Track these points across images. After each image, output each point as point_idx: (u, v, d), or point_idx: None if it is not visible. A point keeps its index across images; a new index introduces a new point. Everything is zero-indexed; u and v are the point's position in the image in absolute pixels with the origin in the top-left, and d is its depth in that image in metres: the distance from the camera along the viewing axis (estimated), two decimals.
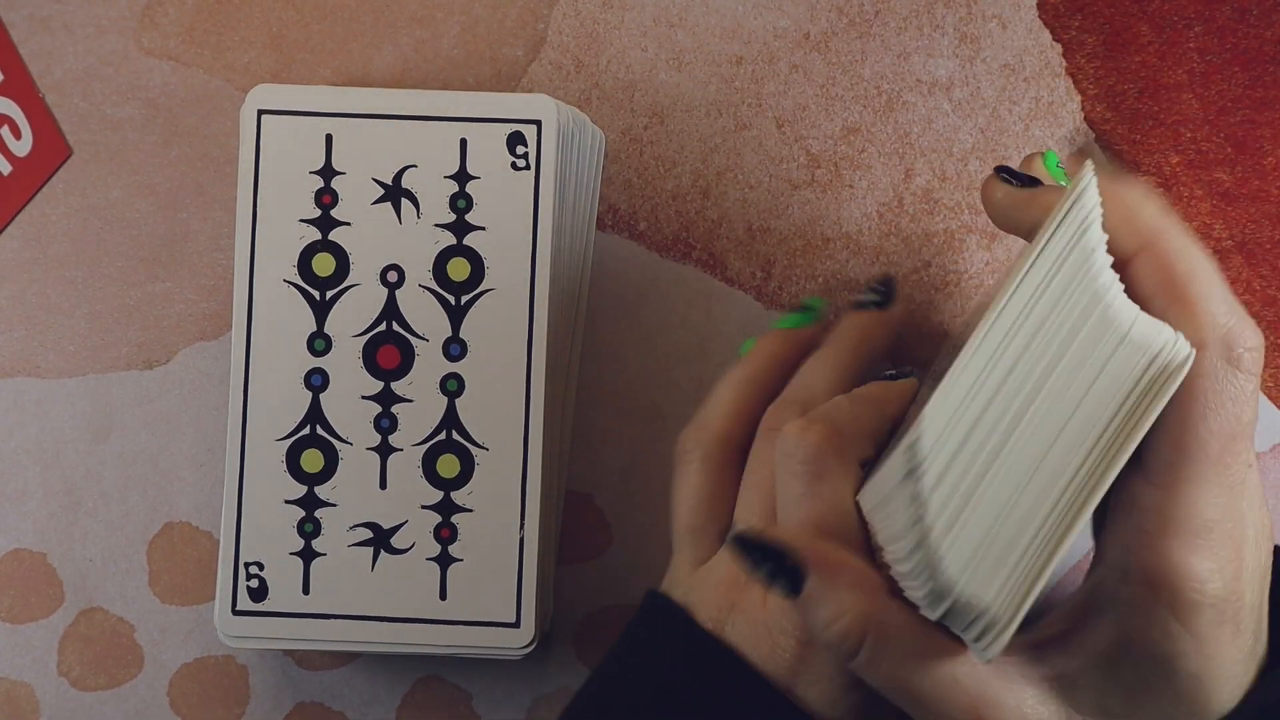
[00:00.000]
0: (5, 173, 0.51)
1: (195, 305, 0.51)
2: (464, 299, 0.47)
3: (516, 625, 0.46)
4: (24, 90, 0.51)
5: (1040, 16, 0.52)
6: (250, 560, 0.47)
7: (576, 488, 0.51)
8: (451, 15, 0.52)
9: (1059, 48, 0.52)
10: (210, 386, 0.51)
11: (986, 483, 0.33)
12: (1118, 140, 0.52)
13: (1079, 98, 0.52)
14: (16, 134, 0.51)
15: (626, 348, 0.51)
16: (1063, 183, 0.42)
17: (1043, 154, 0.43)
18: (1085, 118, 0.52)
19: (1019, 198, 0.39)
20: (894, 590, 0.36)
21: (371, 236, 0.47)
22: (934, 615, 0.34)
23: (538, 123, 0.47)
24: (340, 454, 0.47)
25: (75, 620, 0.51)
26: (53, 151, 0.51)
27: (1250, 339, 0.34)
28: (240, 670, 0.51)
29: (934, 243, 0.51)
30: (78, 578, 0.51)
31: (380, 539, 0.47)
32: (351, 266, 0.47)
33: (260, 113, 0.47)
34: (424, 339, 0.47)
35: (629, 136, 0.51)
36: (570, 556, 0.50)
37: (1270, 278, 0.52)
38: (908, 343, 0.50)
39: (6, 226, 0.51)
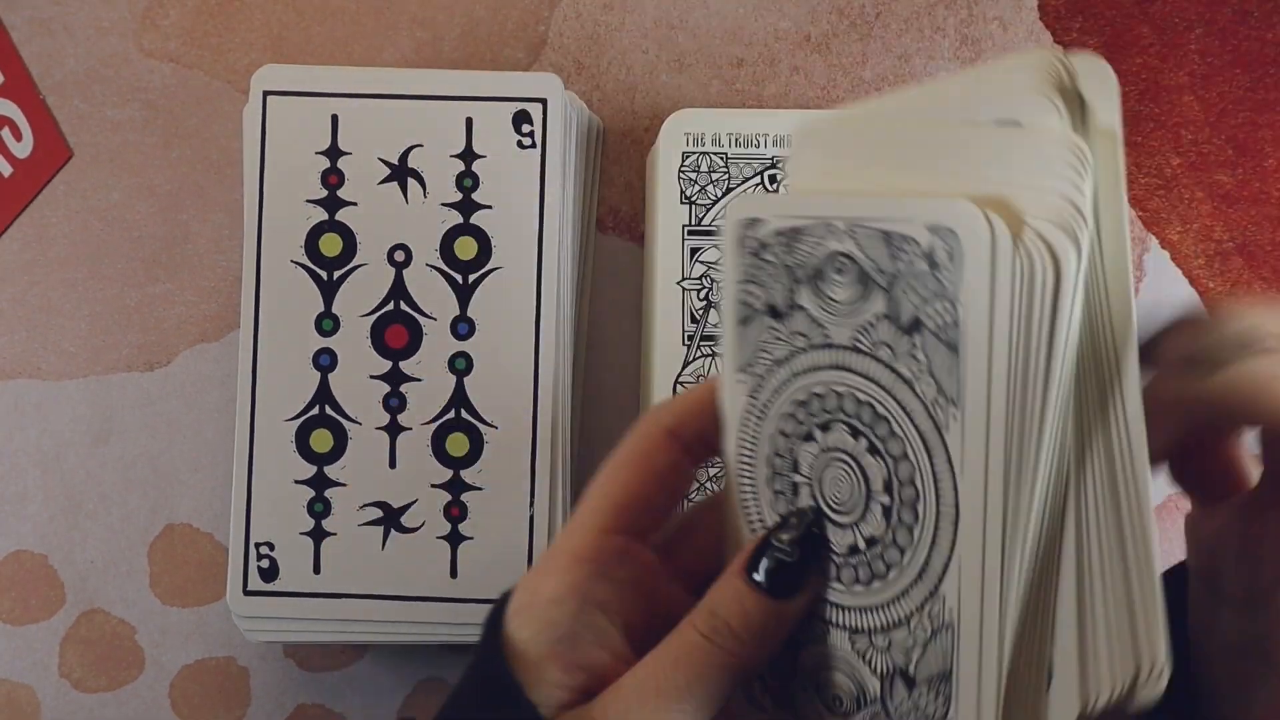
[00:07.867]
0: (6, 174, 0.51)
1: (196, 307, 0.51)
2: (471, 278, 0.47)
3: None
4: (25, 92, 0.51)
5: (1041, 19, 0.52)
6: (261, 540, 0.47)
7: (578, 485, 0.51)
8: (453, 17, 0.52)
9: (1060, 50, 0.52)
10: (211, 388, 0.51)
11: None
12: None
13: None
14: (17, 136, 0.51)
15: (626, 347, 0.51)
16: None
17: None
18: None
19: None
20: None
21: (378, 216, 0.47)
22: None
23: (543, 101, 0.47)
24: (350, 434, 0.47)
25: (76, 622, 0.51)
26: (53, 153, 0.51)
27: None
28: (241, 672, 0.51)
29: None
30: (79, 580, 0.51)
31: (390, 518, 0.47)
32: (359, 247, 0.47)
33: (266, 94, 0.47)
34: (432, 318, 0.47)
35: (630, 138, 0.51)
36: None
37: (1271, 279, 0.52)
38: None
39: (7, 228, 0.51)
